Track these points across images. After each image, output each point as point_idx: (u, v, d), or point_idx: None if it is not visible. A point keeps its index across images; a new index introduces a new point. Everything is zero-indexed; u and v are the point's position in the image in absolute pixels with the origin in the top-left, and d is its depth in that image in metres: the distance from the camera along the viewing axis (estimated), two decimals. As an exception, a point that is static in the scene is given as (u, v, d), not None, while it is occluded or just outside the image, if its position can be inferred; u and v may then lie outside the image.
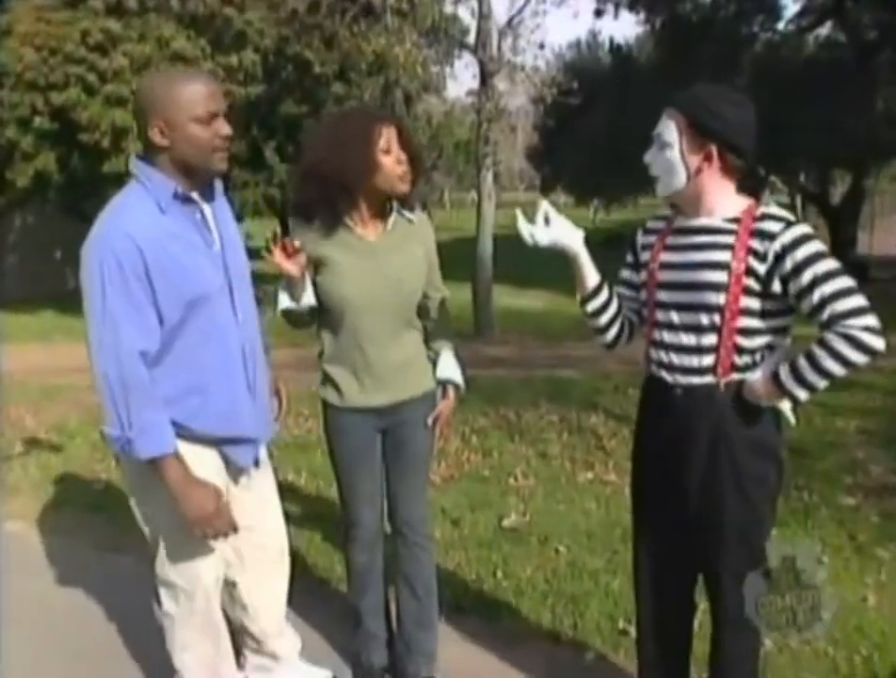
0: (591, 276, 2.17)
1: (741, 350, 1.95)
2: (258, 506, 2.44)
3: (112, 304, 1.92)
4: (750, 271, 1.89)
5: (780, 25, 18.66)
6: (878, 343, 1.78)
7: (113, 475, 4.83)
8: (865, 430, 5.46)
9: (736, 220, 1.94)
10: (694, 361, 1.99)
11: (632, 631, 2.90)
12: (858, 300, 1.80)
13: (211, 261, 2.11)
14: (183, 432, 2.09)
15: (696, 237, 2.00)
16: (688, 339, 1.99)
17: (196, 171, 2.04)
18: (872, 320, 1.78)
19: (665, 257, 2.06)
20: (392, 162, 2.27)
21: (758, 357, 1.95)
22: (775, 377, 1.90)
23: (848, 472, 4.65)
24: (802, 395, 1.88)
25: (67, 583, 3.50)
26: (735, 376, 1.96)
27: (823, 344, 1.82)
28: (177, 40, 10.47)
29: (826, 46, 18.74)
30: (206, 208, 2.13)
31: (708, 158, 1.93)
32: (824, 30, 18.81)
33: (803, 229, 1.87)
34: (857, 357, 1.79)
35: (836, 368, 1.81)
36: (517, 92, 12.53)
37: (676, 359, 2.02)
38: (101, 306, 1.93)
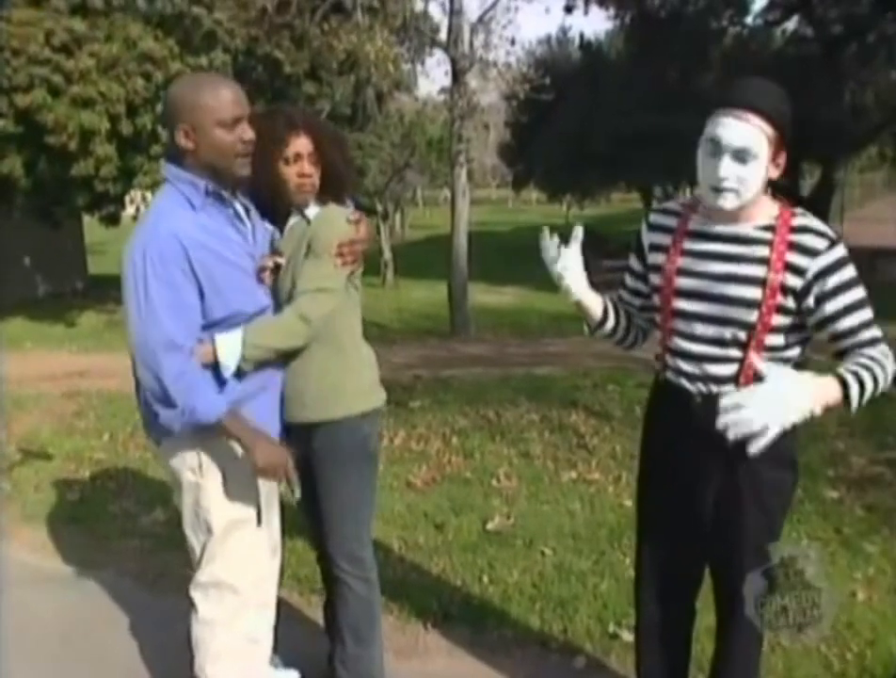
0: (595, 309, 2.15)
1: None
2: (271, 501, 2.41)
3: (155, 304, 1.98)
4: (786, 288, 1.82)
5: (748, 20, 18.79)
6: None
7: (88, 486, 4.73)
8: (845, 422, 5.47)
9: (769, 228, 1.85)
10: (715, 370, 1.93)
11: (623, 635, 2.89)
12: (877, 331, 1.83)
13: (247, 253, 2.17)
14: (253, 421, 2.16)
15: (725, 246, 1.90)
16: (711, 350, 1.92)
17: (220, 174, 2.09)
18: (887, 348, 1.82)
19: (685, 263, 1.95)
20: (292, 173, 2.21)
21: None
22: (841, 380, 1.75)
23: (830, 464, 4.65)
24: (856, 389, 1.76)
25: (42, 600, 3.39)
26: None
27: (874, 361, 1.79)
28: (145, 41, 10.25)
29: (794, 40, 18.89)
30: (238, 205, 2.18)
31: (779, 165, 1.83)
32: (791, 24, 18.96)
33: (843, 250, 1.82)
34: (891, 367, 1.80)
35: (882, 376, 1.79)
36: (488, 89, 12.49)
37: (697, 368, 1.95)
38: (144, 302, 1.99)
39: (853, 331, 1.81)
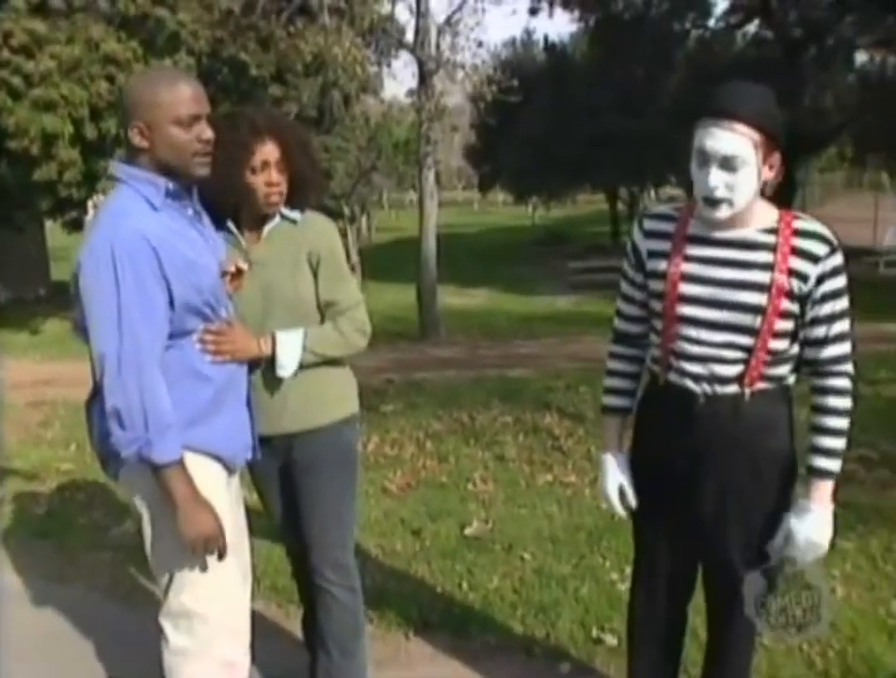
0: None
1: (771, 363, 1.90)
2: (240, 525, 2.33)
3: (130, 311, 1.86)
4: (790, 293, 1.84)
5: (711, 22, 19.02)
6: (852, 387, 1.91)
7: (56, 498, 4.63)
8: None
9: (772, 231, 1.86)
10: (721, 370, 1.91)
11: (607, 639, 2.88)
12: (849, 346, 1.89)
13: (211, 254, 2.07)
14: (213, 440, 2.06)
15: (729, 252, 1.89)
16: (717, 353, 1.91)
17: (176, 174, 1.98)
18: (851, 367, 1.91)
19: (689, 268, 1.92)
20: (260, 182, 2.15)
21: (785, 369, 1.94)
22: (820, 473, 1.92)
23: (803, 462, 4.67)
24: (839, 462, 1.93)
25: (10, 617, 3.29)
26: (761, 385, 1.92)
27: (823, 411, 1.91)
28: (107, 43, 10.07)
29: (755, 43, 19.15)
30: (196, 206, 2.08)
31: (772, 168, 1.83)
32: (752, 27, 19.23)
33: (841, 257, 1.84)
34: (848, 402, 1.91)
35: (844, 422, 1.91)
36: (453, 91, 12.50)
37: (703, 369, 1.93)
38: (116, 313, 1.86)
39: (824, 341, 1.88)
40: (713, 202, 1.82)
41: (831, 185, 34.22)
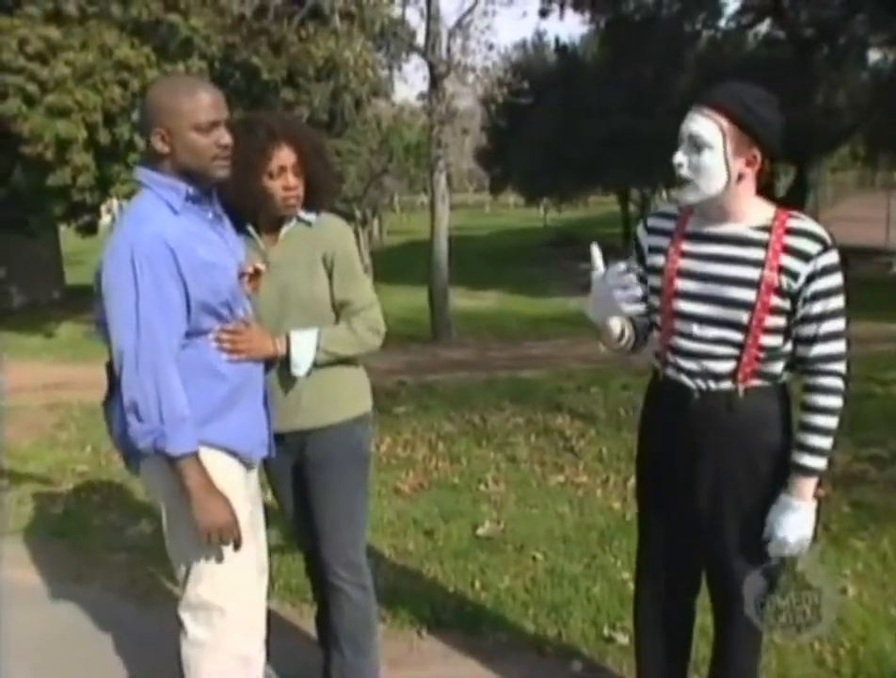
0: (616, 331, 2.07)
1: (763, 360, 1.93)
2: (257, 521, 2.37)
3: (147, 309, 1.93)
4: (780, 290, 1.86)
5: (722, 23, 18.96)
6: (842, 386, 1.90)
7: (72, 499, 4.67)
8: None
9: (765, 229, 1.89)
10: (715, 366, 1.95)
11: (618, 638, 2.89)
12: (842, 346, 1.89)
13: (230, 256, 2.13)
14: (230, 436, 2.10)
15: (723, 248, 1.93)
16: (710, 348, 1.94)
17: (196, 178, 2.05)
18: (843, 366, 1.90)
19: (685, 265, 1.97)
20: (277, 186, 2.19)
21: (779, 367, 1.95)
22: (803, 471, 1.91)
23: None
24: (823, 460, 1.92)
25: (27, 617, 3.32)
26: (755, 381, 1.94)
27: (810, 410, 1.90)
28: (121, 49, 10.17)
29: (766, 43, 19.08)
30: (216, 208, 2.15)
31: (751, 163, 1.86)
32: (764, 27, 19.15)
33: (835, 255, 1.86)
34: (838, 402, 1.89)
35: (832, 421, 1.89)
36: (464, 94, 12.53)
37: (697, 365, 1.97)
38: (134, 312, 1.93)
39: (813, 339, 1.88)
40: (679, 182, 1.90)
41: (843, 184, 34.05)
